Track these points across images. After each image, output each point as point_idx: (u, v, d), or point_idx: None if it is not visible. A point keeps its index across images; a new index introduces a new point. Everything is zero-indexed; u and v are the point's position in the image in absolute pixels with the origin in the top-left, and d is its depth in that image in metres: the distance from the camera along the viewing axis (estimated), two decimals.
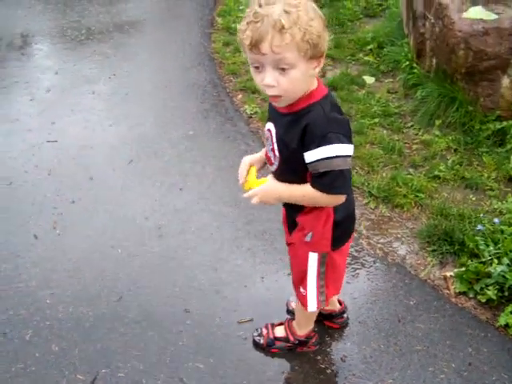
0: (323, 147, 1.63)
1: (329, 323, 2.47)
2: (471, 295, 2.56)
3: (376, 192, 3.17)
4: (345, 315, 2.47)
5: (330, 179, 1.68)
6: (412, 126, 3.76)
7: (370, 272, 2.72)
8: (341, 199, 1.75)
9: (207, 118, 4.03)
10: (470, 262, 2.64)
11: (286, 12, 1.49)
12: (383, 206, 3.12)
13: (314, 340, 2.37)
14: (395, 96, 4.08)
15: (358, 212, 3.06)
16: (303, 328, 2.32)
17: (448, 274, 2.68)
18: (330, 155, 1.63)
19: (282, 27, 1.47)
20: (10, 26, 5.89)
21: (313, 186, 1.72)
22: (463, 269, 2.62)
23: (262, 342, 2.38)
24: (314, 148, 1.64)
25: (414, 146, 3.57)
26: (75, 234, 3.06)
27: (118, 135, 3.93)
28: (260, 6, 1.52)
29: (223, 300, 2.63)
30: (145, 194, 3.34)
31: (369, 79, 4.26)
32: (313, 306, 2.06)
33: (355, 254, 2.83)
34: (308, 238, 1.92)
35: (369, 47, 4.65)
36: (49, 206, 3.27)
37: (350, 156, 1.67)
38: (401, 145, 3.54)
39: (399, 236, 2.94)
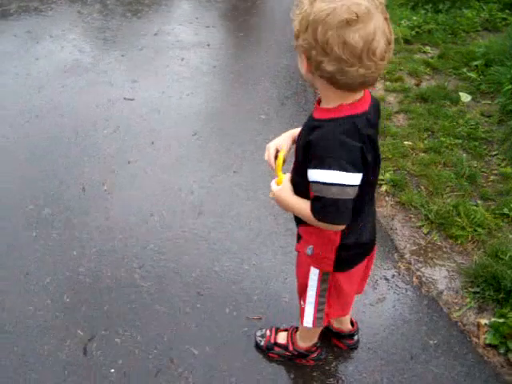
0: (319, 170, 1.48)
1: (337, 342, 2.36)
2: (502, 351, 2.35)
3: (433, 217, 2.98)
4: (355, 337, 2.35)
5: (321, 205, 1.55)
6: (496, 155, 3.49)
7: (398, 299, 2.57)
8: (335, 227, 1.62)
9: (284, 105, 3.96)
10: (511, 314, 2.41)
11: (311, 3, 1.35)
12: (436, 233, 2.92)
13: (315, 355, 2.27)
14: (488, 120, 3.80)
15: (406, 233, 2.91)
16: (305, 341, 2.23)
17: (483, 321, 2.47)
18: (324, 181, 1.48)
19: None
20: None
21: (310, 206, 1.60)
22: (501, 320, 2.41)
23: (262, 343, 2.32)
24: (312, 168, 1.51)
25: (492, 177, 3.31)
26: (120, 194, 3.14)
27: (190, 106, 3.96)
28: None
29: (239, 292, 2.58)
30: (198, 168, 3.35)
31: (465, 97, 3.99)
32: (308, 322, 1.97)
33: (388, 276, 2.68)
34: (309, 252, 1.83)
35: (475, 63, 4.35)
36: (105, 162, 3.36)
37: (351, 186, 1.49)
38: (477, 172, 3.29)
39: (443, 268, 2.74)
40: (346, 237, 1.73)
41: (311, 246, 1.81)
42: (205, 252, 2.79)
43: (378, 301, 2.55)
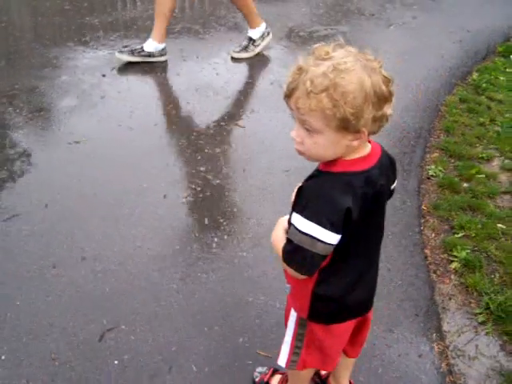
0: (298, 215, 1.56)
1: None
2: None
3: (494, 308, 2.80)
4: None
5: (290, 249, 1.61)
6: None
7: (416, 381, 2.45)
8: (298, 276, 1.65)
9: None
10: None
11: (324, 75, 1.42)
12: (492, 326, 2.74)
13: None
14: None
15: (458, 317, 2.77)
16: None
17: None
18: (298, 227, 1.55)
19: (310, 91, 1.43)
20: None
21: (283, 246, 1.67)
22: None
23: (256, 379, 2.37)
24: (294, 211, 1.60)
25: None
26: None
27: None
28: (314, 55, 1.49)
29: (260, 326, 2.65)
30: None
31: None
32: (282, 361, 1.99)
33: (416, 353, 2.56)
34: (287, 291, 1.88)
35: None
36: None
37: (324, 243, 1.53)
38: None
39: (483, 365, 2.56)
40: (317, 286, 1.75)
41: (289, 286, 1.86)
42: (245, 282, 2.89)
43: (393, 378, 2.46)
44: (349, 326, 1.91)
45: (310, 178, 1.64)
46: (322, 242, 1.53)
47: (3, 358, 2.46)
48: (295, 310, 1.89)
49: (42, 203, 3.38)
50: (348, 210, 1.51)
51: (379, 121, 1.52)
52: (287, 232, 1.67)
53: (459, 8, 6.88)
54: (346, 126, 1.47)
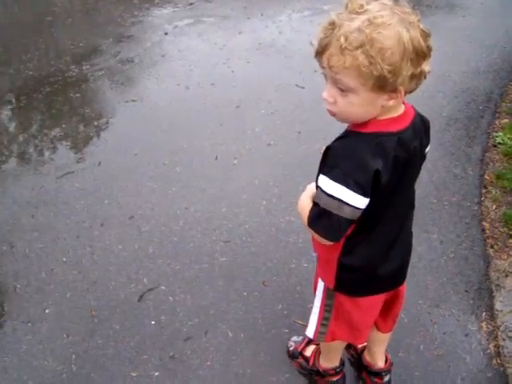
0: (324, 177, 1.46)
1: (365, 376, 2.26)
2: None
3: None
4: (386, 378, 2.22)
5: (316, 212, 1.51)
6: None
7: (459, 362, 2.33)
8: (323, 241, 1.56)
9: (449, 126, 3.73)
10: None
11: (360, 30, 1.30)
12: None
13: (334, 379, 2.21)
14: None
15: None
16: (323, 359, 2.19)
17: None
18: (325, 189, 1.45)
19: (345, 47, 1.31)
20: None
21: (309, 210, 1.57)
22: None
23: (290, 349, 2.33)
24: (320, 173, 1.50)
25: None
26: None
27: None
28: (347, 9, 1.36)
29: (301, 294, 2.60)
30: None
31: None
32: (310, 332, 1.93)
33: (462, 332, 2.43)
34: (315, 259, 1.80)
35: None
36: (246, 141, 3.59)
37: (351, 206, 1.43)
38: None
39: None
40: (343, 256, 1.66)
41: (316, 254, 1.79)
42: (289, 247, 2.83)
43: (434, 356, 2.35)
44: (378, 299, 1.82)
45: (339, 138, 1.52)
46: (349, 205, 1.43)
47: (47, 311, 2.53)
48: (322, 280, 1.81)
49: (95, 161, 3.43)
50: (377, 172, 1.41)
51: (417, 78, 1.39)
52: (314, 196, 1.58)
53: None
54: (383, 84, 1.35)
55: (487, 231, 2.94)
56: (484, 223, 2.98)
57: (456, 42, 4.80)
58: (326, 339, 1.93)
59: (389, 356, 2.22)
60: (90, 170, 3.37)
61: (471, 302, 2.56)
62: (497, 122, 3.77)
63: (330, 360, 2.16)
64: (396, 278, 1.80)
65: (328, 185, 1.44)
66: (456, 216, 3.00)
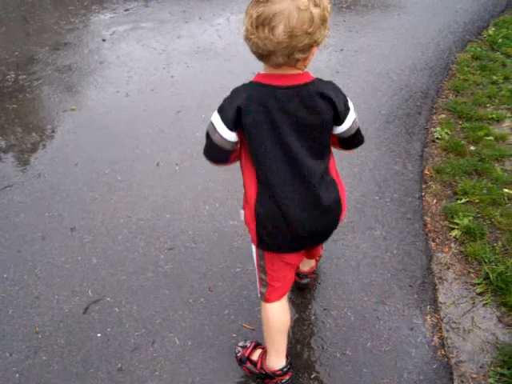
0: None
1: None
2: None
3: (494, 278, 2.68)
4: (304, 280, 2.57)
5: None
6: None
7: (405, 355, 2.36)
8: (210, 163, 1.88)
9: (388, 123, 3.80)
10: None
11: None
12: (490, 297, 2.63)
13: (283, 379, 2.21)
14: None
15: (455, 288, 2.67)
16: (269, 352, 2.18)
17: None
18: (211, 117, 1.76)
19: None
20: None
21: None
22: None
23: (238, 354, 2.32)
24: None
25: None
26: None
27: None
28: None
29: (247, 298, 2.60)
30: None
31: None
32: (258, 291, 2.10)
33: (407, 326, 2.47)
34: (241, 217, 1.94)
35: None
36: (181, 144, 3.55)
37: (215, 130, 1.73)
38: None
39: (477, 338, 2.46)
40: (255, 203, 1.83)
41: (242, 212, 1.93)
42: (233, 251, 2.82)
43: (381, 352, 2.38)
44: (284, 257, 1.96)
45: None
46: (217, 132, 1.73)
47: None
48: (252, 242, 1.93)
49: (35, 173, 3.34)
50: (239, 109, 1.67)
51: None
52: None
53: None
54: None
55: (429, 225, 3.00)
56: (425, 218, 3.04)
57: (392, 40, 4.90)
58: (266, 299, 2.05)
59: (314, 270, 2.63)
60: (30, 182, 3.28)
61: (415, 296, 2.60)
62: (434, 118, 3.86)
63: (276, 351, 2.16)
64: (305, 231, 1.85)
65: (213, 114, 1.75)
66: (398, 212, 3.05)
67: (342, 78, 4.29)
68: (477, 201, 3.12)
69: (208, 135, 1.78)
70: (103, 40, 4.84)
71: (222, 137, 1.74)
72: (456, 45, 4.74)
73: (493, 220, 3.02)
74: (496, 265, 2.76)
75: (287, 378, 2.21)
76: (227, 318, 2.49)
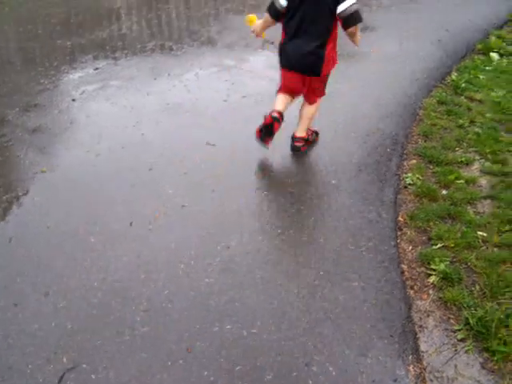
0: None
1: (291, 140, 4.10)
2: None
3: (474, 322, 2.69)
4: (297, 143, 4.00)
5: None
6: None
7: None
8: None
9: (360, 171, 3.84)
10: None
11: None
12: (472, 343, 2.64)
13: (267, 120, 3.76)
14: None
15: (436, 335, 2.68)
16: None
17: None
18: None
19: None
20: None
21: None
22: None
23: None
24: None
25: None
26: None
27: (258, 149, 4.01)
28: None
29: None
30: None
31: None
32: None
33: (390, 378, 2.45)
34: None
35: None
36: (160, 201, 3.54)
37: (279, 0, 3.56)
38: None
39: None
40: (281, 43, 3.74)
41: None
42: (211, 310, 2.79)
43: None
44: (289, 73, 3.75)
45: None
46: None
47: None
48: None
49: (6, 238, 3.29)
50: None
51: None
52: None
53: (437, 8, 6.82)
54: None
55: (406, 273, 3.01)
56: (402, 265, 3.06)
57: (360, 88, 5.02)
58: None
59: (307, 136, 4.03)
60: (1, 247, 3.23)
61: (397, 346, 2.59)
62: (405, 164, 3.93)
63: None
64: (294, 60, 3.66)
65: None
66: (374, 261, 3.06)
67: (312, 126, 4.36)
68: (452, 245, 3.15)
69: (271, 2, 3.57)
70: (73, 100, 4.87)
71: (279, 2, 3.52)
72: (422, 91, 4.87)
73: (469, 264, 3.05)
74: (475, 309, 2.77)
75: (268, 122, 3.68)
76: (207, 380, 2.45)
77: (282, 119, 3.75)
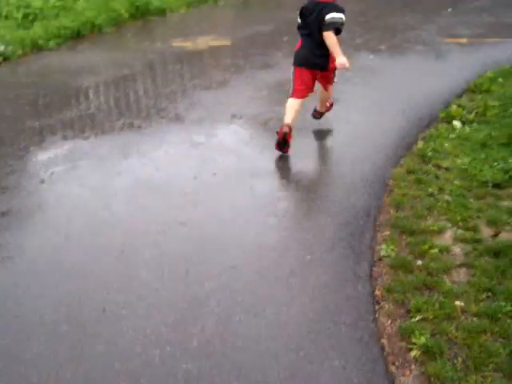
0: None
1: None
2: None
3: None
4: (316, 114, 5.63)
5: None
6: None
7: None
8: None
9: (334, 245, 3.84)
10: None
11: None
12: None
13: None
14: None
15: None
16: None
17: None
18: None
19: None
20: None
21: None
22: None
23: None
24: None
25: None
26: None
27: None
28: None
29: None
30: None
31: None
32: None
33: None
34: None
35: None
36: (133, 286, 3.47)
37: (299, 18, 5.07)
38: None
39: None
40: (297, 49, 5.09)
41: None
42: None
43: None
44: (302, 70, 5.01)
45: None
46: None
47: None
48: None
49: None
50: (301, 8, 4.90)
51: None
52: None
53: (399, 79, 7.06)
54: None
55: (387, 348, 2.98)
56: (382, 340, 3.02)
57: (330, 161, 5.11)
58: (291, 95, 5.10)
59: (324, 111, 5.60)
60: None
61: None
62: (379, 235, 3.94)
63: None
64: (306, 60, 4.97)
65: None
66: (354, 337, 3.02)
67: (284, 203, 4.39)
68: (431, 317, 3.14)
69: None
70: (41, 182, 4.83)
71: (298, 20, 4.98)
72: (390, 161, 4.96)
73: (449, 335, 3.03)
74: (459, 383, 2.72)
75: (280, 137, 4.83)
76: None
77: (291, 130, 4.82)
